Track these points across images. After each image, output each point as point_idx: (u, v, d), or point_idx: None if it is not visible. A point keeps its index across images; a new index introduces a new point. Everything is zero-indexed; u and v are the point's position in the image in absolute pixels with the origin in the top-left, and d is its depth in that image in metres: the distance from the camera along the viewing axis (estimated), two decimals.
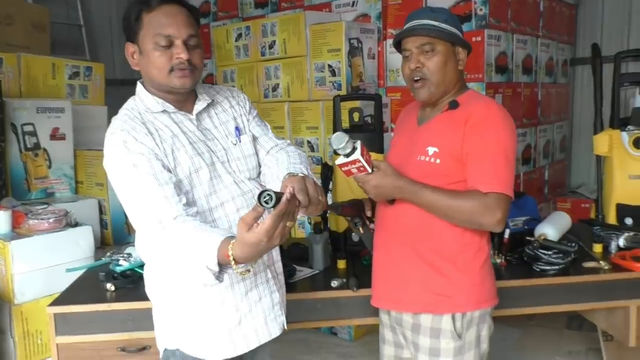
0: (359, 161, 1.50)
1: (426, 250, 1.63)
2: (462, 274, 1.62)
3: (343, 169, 1.54)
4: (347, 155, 1.50)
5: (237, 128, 1.60)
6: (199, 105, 1.55)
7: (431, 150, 1.60)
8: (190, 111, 1.54)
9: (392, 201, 1.65)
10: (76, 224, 2.76)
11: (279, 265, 1.67)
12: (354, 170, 1.54)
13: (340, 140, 1.47)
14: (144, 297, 1.73)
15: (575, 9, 4.59)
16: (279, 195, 1.19)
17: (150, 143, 1.41)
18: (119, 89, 4.88)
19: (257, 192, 1.22)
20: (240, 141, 1.59)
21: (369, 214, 1.79)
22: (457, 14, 3.29)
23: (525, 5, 3.73)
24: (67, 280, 2.25)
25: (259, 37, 3.71)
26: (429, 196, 1.55)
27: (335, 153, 1.53)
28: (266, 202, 1.18)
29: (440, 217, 1.58)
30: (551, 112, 4.28)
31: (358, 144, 1.50)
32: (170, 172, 1.41)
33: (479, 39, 3.28)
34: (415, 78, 1.64)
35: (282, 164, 1.54)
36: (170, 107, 1.50)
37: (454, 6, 3.34)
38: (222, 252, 1.24)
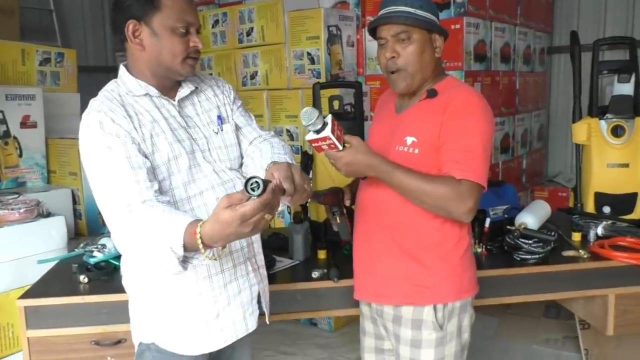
0: (329, 138, 1.44)
1: (407, 242, 1.61)
2: (443, 264, 1.61)
3: (313, 144, 1.48)
4: (318, 132, 1.44)
5: (219, 117, 1.57)
6: (183, 92, 1.51)
7: (409, 140, 1.57)
8: (173, 97, 1.50)
9: (364, 177, 1.61)
10: (48, 214, 2.69)
11: (260, 258, 1.63)
12: (325, 147, 1.48)
13: (310, 116, 1.41)
14: (118, 289, 1.69)
15: None
16: (266, 183, 1.15)
17: (127, 126, 1.37)
18: (92, 75, 4.81)
19: (238, 181, 1.18)
20: (222, 130, 1.56)
21: (347, 203, 1.76)
22: (436, 2, 3.27)
23: None
24: (38, 272, 2.19)
25: (236, 23, 3.64)
26: (401, 177, 1.51)
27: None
28: (252, 190, 1.14)
29: (411, 200, 1.54)
30: (529, 100, 4.30)
31: (329, 118, 1.44)
32: (146, 157, 1.37)
33: (457, 26, 3.26)
34: (392, 70, 1.60)
35: (265, 154, 1.50)
36: (153, 91, 1.46)
37: None
38: (189, 232, 1.20)
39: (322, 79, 3.31)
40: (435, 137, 1.55)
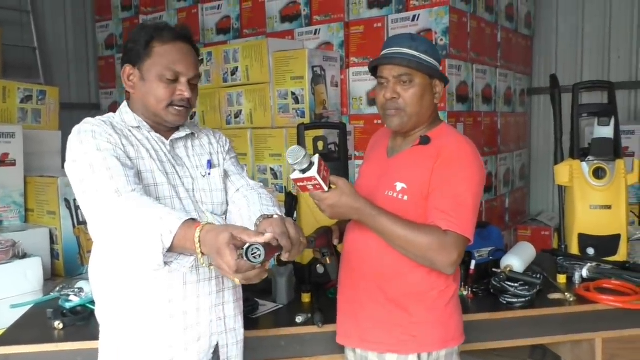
0: (315, 179, 1.42)
1: (392, 289, 1.58)
2: (428, 313, 1.58)
3: (298, 184, 1.46)
4: (304, 171, 1.42)
5: (209, 161, 1.58)
6: (177, 134, 1.54)
7: (399, 186, 1.56)
8: (167, 137, 1.53)
9: (348, 220, 1.60)
10: (24, 255, 2.62)
11: (229, 308, 1.56)
12: (310, 187, 1.46)
13: (296, 155, 1.40)
14: (94, 336, 1.64)
15: (530, 40, 4.73)
16: (266, 249, 1.15)
17: (117, 140, 1.41)
18: (74, 112, 4.78)
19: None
20: (209, 174, 1.56)
21: (336, 242, 1.73)
22: None
23: (484, 37, 3.80)
24: (11, 317, 2.11)
25: (221, 63, 3.66)
26: (386, 223, 1.49)
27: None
28: (254, 258, 1.14)
29: (395, 248, 1.52)
30: (510, 140, 4.35)
31: (316, 158, 1.42)
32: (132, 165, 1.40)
33: (440, 68, 3.31)
34: (390, 108, 1.60)
35: (253, 205, 1.48)
36: (146, 126, 1.49)
37: None
38: (187, 225, 1.20)
39: (307, 119, 3.32)
40: (425, 186, 1.54)
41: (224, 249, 1.15)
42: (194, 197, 1.50)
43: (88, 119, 1.46)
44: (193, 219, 1.24)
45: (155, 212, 1.24)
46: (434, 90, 1.61)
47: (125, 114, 1.51)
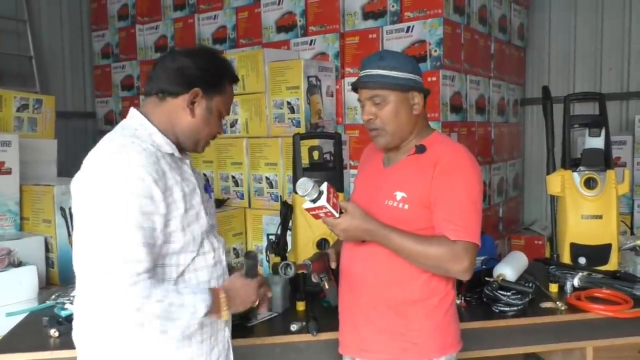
0: (325, 207, 1.49)
1: (392, 297, 1.60)
2: (428, 320, 1.60)
3: (311, 213, 1.53)
4: (314, 201, 1.49)
5: (207, 186, 1.63)
6: (186, 159, 1.55)
7: (399, 195, 1.59)
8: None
9: (362, 240, 1.62)
10: (19, 264, 2.63)
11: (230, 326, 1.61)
12: (322, 215, 1.53)
13: (305, 187, 1.46)
14: None
15: (523, 51, 4.78)
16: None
17: (157, 193, 1.33)
18: (70, 121, 4.79)
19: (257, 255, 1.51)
20: (210, 197, 1.63)
21: (333, 266, 1.76)
22: (413, 55, 3.36)
23: (477, 48, 3.85)
24: (7, 325, 2.12)
25: None
26: (398, 240, 1.53)
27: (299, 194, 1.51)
28: (285, 274, 1.65)
29: (409, 261, 1.56)
30: (504, 150, 4.39)
31: (324, 187, 1.48)
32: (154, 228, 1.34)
33: (434, 79, 3.35)
34: (371, 129, 1.65)
35: None
36: (176, 152, 1.47)
37: (409, 47, 3.41)
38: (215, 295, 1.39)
39: (302, 128, 3.35)
40: (425, 194, 1.56)
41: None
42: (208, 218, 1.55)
43: (132, 149, 1.33)
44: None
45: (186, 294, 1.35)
46: (411, 102, 1.63)
47: (154, 135, 1.43)
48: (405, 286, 1.59)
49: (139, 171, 1.29)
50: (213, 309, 1.37)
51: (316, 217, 1.54)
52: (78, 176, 1.38)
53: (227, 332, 1.56)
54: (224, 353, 1.53)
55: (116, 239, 1.26)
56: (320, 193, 1.48)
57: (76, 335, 1.48)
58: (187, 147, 1.51)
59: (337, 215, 1.52)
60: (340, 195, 2.28)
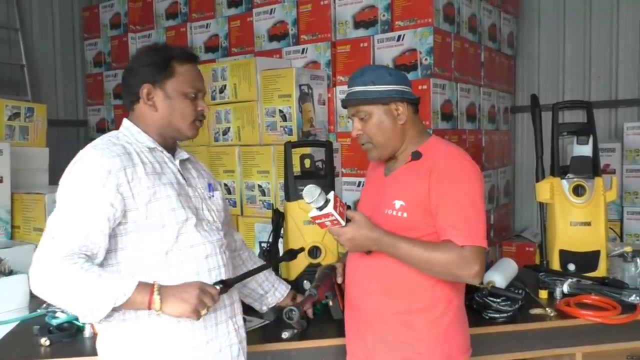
0: (332, 214, 1.48)
1: (397, 306, 1.60)
2: (432, 329, 1.60)
3: (316, 221, 1.52)
4: (320, 209, 1.48)
5: (210, 184, 1.67)
6: (182, 155, 1.62)
7: (398, 203, 1.59)
8: (173, 155, 1.60)
9: (368, 252, 1.62)
10: (10, 272, 2.61)
11: (240, 319, 1.65)
12: (327, 223, 1.52)
13: (312, 194, 1.46)
14: (81, 352, 1.65)
15: (513, 59, 4.83)
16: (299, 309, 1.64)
17: (126, 186, 1.41)
18: (62, 129, 4.79)
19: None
20: (213, 196, 1.66)
21: (339, 281, 1.77)
22: (403, 64, 3.40)
23: (467, 56, 3.89)
24: None
25: (209, 81, 3.70)
26: (406, 248, 1.53)
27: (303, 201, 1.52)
28: (289, 318, 1.62)
29: (417, 269, 1.55)
30: (495, 157, 4.42)
31: (331, 195, 1.49)
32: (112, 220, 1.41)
33: (425, 87, 3.37)
34: (361, 143, 1.68)
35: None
36: (159, 147, 1.55)
37: (400, 56, 3.44)
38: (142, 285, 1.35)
39: (294, 136, 3.37)
40: (423, 200, 1.56)
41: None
42: (203, 215, 1.57)
43: (104, 147, 1.45)
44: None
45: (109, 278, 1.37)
46: (395, 113, 1.64)
47: (137, 134, 1.54)
48: (409, 296, 1.59)
49: (99, 161, 1.40)
50: (137, 299, 1.34)
51: (322, 225, 1.53)
52: None
53: (232, 325, 1.58)
54: (228, 347, 1.56)
55: (60, 221, 1.38)
56: (327, 201, 1.48)
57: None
58: (176, 138, 1.59)
59: (343, 223, 1.52)
60: None
